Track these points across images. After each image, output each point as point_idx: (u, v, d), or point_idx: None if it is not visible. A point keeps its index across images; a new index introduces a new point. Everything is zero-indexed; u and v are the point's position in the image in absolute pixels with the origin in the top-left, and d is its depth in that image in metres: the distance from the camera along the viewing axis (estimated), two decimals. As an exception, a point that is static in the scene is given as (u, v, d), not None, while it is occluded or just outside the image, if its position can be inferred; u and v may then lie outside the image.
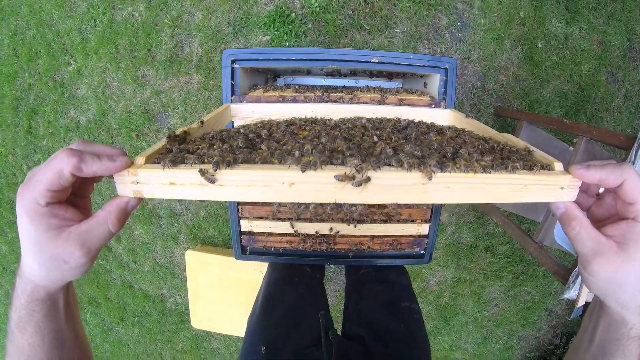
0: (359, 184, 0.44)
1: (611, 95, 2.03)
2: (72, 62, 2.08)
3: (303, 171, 0.45)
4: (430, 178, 0.45)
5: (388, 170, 0.46)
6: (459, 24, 1.83)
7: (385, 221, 1.09)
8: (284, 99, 0.98)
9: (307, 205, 0.98)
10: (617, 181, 0.44)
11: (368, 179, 0.45)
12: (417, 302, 1.16)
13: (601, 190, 0.49)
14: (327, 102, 0.97)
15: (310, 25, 1.83)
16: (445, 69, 0.98)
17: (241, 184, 0.45)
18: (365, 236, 1.10)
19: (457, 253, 2.08)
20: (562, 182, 0.47)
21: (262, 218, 1.09)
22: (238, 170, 0.45)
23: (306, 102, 0.97)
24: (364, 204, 1.06)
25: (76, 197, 0.47)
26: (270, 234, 1.11)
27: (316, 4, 1.79)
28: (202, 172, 0.44)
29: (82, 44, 2.04)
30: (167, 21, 1.90)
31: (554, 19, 1.89)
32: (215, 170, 0.44)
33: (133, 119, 2.01)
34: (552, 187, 0.47)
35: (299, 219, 1.08)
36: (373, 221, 1.08)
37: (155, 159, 0.48)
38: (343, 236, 1.10)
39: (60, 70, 2.11)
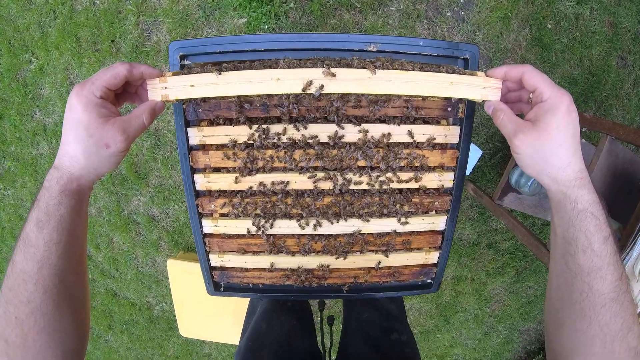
0: (327, 74, 0.56)
1: (621, 81, 1.75)
2: (33, 59, 1.74)
3: (288, 67, 0.57)
4: (374, 73, 0.55)
5: (347, 68, 0.57)
6: (461, 1, 1.50)
7: (385, 252, 0.81)
8: (250, 104, 0.67)
9: (285, 193, 0.73)
10: (517, 73, 0.51)
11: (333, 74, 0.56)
12: (409, 330, 0.98)
13: (531, 95, 0.52)
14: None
15: (292, 4, 1.50)
16: (465, 59, 0.68)
17: (243, 80, 0.56)
18: (361, 269, 0.83)
19: (458, 251, 1.83)
20: (481, 82, 0.55)
21: (234, 251, 0.81)
22: (241, 71, 0.56)
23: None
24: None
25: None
26: (247, 270, 0.84)
27: (299, -19, 1.45)
28: (218, 72, 0.56)
29: (43, 39, 1.70)
30: (130, 7, 1.56)
31: (565, -4, 1.57)
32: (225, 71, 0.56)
33: (101, 119, 1.69)
34: (475, 87, 0.55)
35: (279, 252, 0.81)
36: (371, 251, 0.81)
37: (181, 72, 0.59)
38: (335, 270, 0.83)
39: (22, 70, 1.78)
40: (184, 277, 1.69)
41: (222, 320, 1.77)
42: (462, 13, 1.51)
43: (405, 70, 0.57)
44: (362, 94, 0.64)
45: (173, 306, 1.81)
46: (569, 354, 0.47)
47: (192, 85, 0.56)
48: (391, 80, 0.56)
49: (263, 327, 0.97)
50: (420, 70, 0.58)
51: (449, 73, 0.57)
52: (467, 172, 1.56)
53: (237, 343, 0.97)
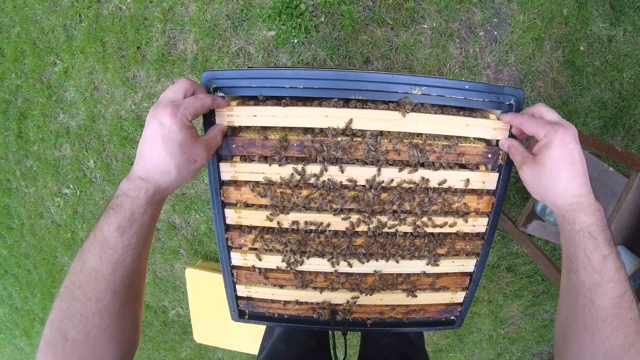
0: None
1: (651, 106, 1.69)
2: (57, 62, 1.75)
3: (335, 106, 0.64)
4: (404, 115, 0.63)
5: (381, 110, 0.64)
6: (495, 20, 1.46)
7: (412, 291, 0.80)
8: (287, 143, 0.66)
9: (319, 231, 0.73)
10: (518, 124, 0.60)
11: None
12: (427, 357, 0.98)
13: None
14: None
15: (322, 19, 1.47)
16: (509, 104, 0.66)
17: (298, 115, 0.63)
18: (387, 306, 0.82)
19: (476, 273, 1.80)
20: (491, 124, 0.64)
21: (261, 284, 0.81)
22: (298, 107, 0.63)
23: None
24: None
25: None
26: (273, 301, 0.84)
27: (330, -6, 1.43)
28: (279, 106, 0.64)
29: (68, 42, 1.70)
30: (157, 14, 1.55)
31: (598, 18, 1.52)
32: (286, 105, 0.63)
33: (124, 125, 1.70)
34: (487, 128, 0.65)
35: (306, 287, 0.80)
36: (399, 290, 0.80)
37: (245, 103, 0.66)
38: (361, 305, 0.83)
39: (46, 71, 1.79)
40: (201, 287, 1.70)
41: (237, 329, 1.77)
42: (495, 33, 1.47)
43: (429, 113, 0.64)
44: (401, 140, 0.66)
45: (189, 312, 1.82)
46: None
47: (255, 116, 0.63)
48: (417, 121, 0.64)
49: (282, 348, 0.97)
50: (441, 114, 0.65)
51: (465, 116, 0.65)
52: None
53: (250, 352, 0.98)
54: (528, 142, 0.63)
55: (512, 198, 1.67)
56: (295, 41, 1.48)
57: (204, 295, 1.72)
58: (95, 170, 1.82)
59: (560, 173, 0.52)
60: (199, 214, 1.76)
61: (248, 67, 1.52)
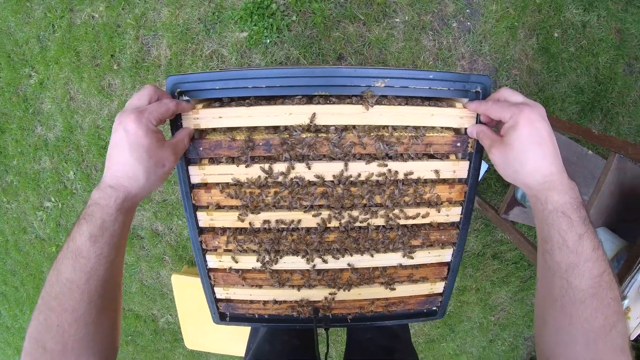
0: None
1: (628, 89, 1.72)
2: (33, 73, 1.73)
3: (298, 103, 0.64)
4: (367, 109, 0.62)
5: (345, 104, 0.63)
6: (467, 11, 1.47)
7: (390, 284, 0.80)
8: (253, 143, 0.66)
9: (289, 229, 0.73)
10: (484, 111, 0.59)
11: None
12: (413, 348, 0.98)
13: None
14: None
15: (294, 17, 1.47)
16: (476, 92, 0.66)
17: (262, 114, 0.63)
18: (366, 300, 0.83)
19: (463, 262, 1.81)
20: (458, 113, 0.64)
21: (239, 285, 0.81)
22: (262, 106, 0.63)
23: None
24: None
25: None
26: (252, 302, 0.83)
27: (301, -8, 1.42)
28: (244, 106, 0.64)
29: (42, 53, 1.68)
30: (130, 21, 1.54)
31: (572, 4, 1.54)
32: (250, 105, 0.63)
33: (102, 135, 1.68)
34: (453, 117, 0.64)
35: (283, 286, 0.80)
36: (377, 284, 0.80)
37: (211, 105, 0.66)
38: (340, 301, 0.83)
39: (22, 84, 1.76)
40: (188, 292, 1.68)
41: (227, 333, 1.77)
42: (468, 24, 1.48)
43: (392, 105, 0.63)
44: (368, 133, 0.65)
45: (178, 319, 1.81)
46: (552, 351, 0.49)
47: (220, 117, 0.63)
48: (382, 114, 0.63)
49: (266, 348, 0.97)
50: (406, 105, 0.64)
51: (431, 106, 0.65)
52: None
53: (242, 355, 0.97)
54: (498, 128, 0.63)
55: (493, 186, 1.68)
56: (268, 41, 1.47)
57: (191, 301, 1.71)
58: (76, 181, 1.80)
59: (528, 152, 0.50)
60: (181, 220, 1.74)
61: (220, 70, 1.51)
